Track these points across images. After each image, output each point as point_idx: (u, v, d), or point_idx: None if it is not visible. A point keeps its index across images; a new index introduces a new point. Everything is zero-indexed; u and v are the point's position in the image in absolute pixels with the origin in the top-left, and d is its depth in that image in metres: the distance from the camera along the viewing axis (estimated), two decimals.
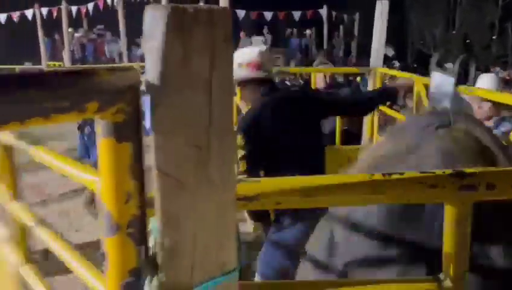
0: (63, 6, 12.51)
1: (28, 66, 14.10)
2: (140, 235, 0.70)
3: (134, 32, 11.73)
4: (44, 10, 13.36)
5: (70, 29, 12.73)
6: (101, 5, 12.62)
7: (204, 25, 0.64)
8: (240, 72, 2.57)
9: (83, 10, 12.98)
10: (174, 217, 0.67)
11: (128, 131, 0.68)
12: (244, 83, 2.66)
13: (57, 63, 13.10)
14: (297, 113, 2.55)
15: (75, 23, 13.27)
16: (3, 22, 14.53)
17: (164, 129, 0.66)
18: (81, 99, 0.62)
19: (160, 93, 0.65)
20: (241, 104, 2.83)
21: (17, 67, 12.92)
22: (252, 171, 2.37)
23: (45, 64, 13.51)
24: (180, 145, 0.66)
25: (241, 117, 2.69)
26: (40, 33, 13.44)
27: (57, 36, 13.58)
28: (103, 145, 0.68)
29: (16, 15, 14.19)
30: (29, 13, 13.76)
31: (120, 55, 12.94)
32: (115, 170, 0.68)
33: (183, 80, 0.65)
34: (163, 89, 0.65)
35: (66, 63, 12.72)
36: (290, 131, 2.47)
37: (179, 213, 0.67)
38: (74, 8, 12.93)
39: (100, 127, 0.69)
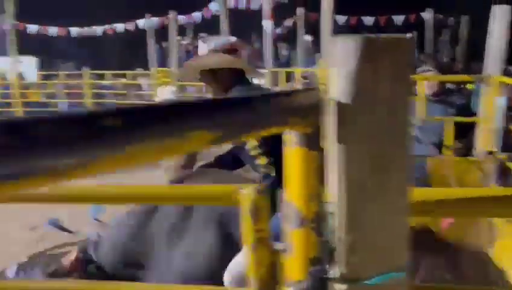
0: (171, 15, 13.48)
1: (139, 71, 15.42)
2: (320, 230, 0.82)
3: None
4: (155, 20, 14.52)
5: (178, 38, 13.69)
6: (207, 14, 13.44)
7: (391, 53, 0.74)
8: (213, 58, 2.43)
9: (190, 19, 13.92)
10: (355, 217, 0.78)
11: (316, 141, 0.81)
12: (216, 72, 2.52)
13: (165, 69, 14.14)
14: None
15: (181, 31, 14.30)
16: (121, 30, 16.04)
17: (350, 141, 0.77)
18: (286, 115, 0.76)
19: (349, 111, 0.76)
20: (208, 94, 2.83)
21: (136, 72, 14.26)
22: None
23: (154, 71, 14.69)
24: (364, 154, 0.77)
25: None
26: (150, 41, 14.66)
27: (164, 44, 14.73)
28: (295, 153, 0.82)
29: (129, 25, 15.61)
30: (141, 23, 15.04)
31: None
32: (305, 174, 0.81)
33: (370, 100, 0.76)
34: (352, 107, 0.76)
35: (173, 70, 13.69)
36: None
37: (360, 214, 0.78)
38: (182, 18, 13.93)
39: (292, 137, 0.82)
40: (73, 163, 0.53)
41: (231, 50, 2.56)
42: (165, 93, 8.19)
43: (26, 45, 18.43)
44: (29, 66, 19.13)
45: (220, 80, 2.58)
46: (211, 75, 2.57)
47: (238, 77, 2.57)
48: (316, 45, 13.15)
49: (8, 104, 16.35)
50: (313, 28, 13.03)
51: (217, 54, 2.51)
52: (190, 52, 14.32)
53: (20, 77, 17.19)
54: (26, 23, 16.65)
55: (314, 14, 13.75)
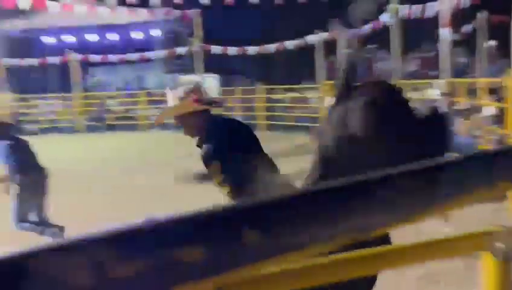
0: (339, 29, 13.60)
1: (306, 84, 15.91)
2: None
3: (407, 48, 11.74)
4: (324, 34, 14.82)
5: (345, 50, 13.73)
6: (377, 25, 13.19)
7: None
8: (174, 107, 2.81)
9: (359, 32, 13.82)
10: None
11: None
12: (183, 116, 2.83)
13: (332, 82, 14.28)
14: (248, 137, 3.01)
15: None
16: (290, 47, 16.85)
17: None
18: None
19: None
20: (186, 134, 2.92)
21: (304, 86, 14.81)
22: (238, 190, 2.55)
23: (321, 84, 15.01)
24: None
25: (205, 150, 2.72)
26: (318, 55, 15.03)
27: (333, 58, 14.94)
28: None
29: (300, 41, 16.26)
30: (310, 38, 15.52)
31: (390, 72, 13.19)
32: None
33: None
34: None
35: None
36: (248, 149, 2.85)
37: None
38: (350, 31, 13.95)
39: None
40: None
41: (195, 92, 2.89)
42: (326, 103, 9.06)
43: (210, 64, 20.79)
44: (212, 83, 21.52)
45: (188, 123, 2.88)
46: (180, 120, 2.89)
47: (204, 116, 2.87)
48: (501, 50, 11.69)
49: None
50: (497, 33, 11.67)
51: (182, 100, 2.80)
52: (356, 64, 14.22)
53: (205, 92, 19.32)
54: (210, 44, 18.73)
55: (498, 16, 12.34)
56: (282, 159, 10.64)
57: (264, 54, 18.12)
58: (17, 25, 23.97)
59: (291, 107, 16.40)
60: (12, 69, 21.12)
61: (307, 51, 16.80)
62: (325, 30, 14.94)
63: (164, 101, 4.34)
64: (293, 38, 16.79)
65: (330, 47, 15.26)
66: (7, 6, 14.58)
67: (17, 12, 19.21)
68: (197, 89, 2.98)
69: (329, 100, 11.25)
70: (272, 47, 17.41)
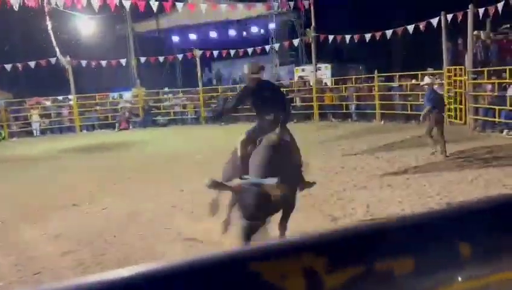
0: (470, 9, 12.53)
1: (429, 71, 14.96)
2: None
3: None
4: (449, 16, 13.78)
5: (475, 32, 12.65)
6: None
7: None
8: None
9: (491, 11, 12.60)
10: None
11: None
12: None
13: (457, 67, 13.28)
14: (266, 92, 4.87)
15: (479, 25, 13.10)
16: (410, 32, 15.98)
17: None
18: None
19: None
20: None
21: (425, 73, 14.00)
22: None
23: (446, 70, 14.02)
24: None
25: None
26: (443, 38, 14.02)
27: (459, 40, 13.83)
28: None
29: (422, 24, 15.33)
30: (434, 21, 14.54)
31: None
32: None
33: None
34: None
35: (468, 67, 12.70)
36: (264, 98, 4.80)
37: None
38: (481, 10, 12.76)
39: None
40: None
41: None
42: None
43: (324, 54, 20.71)
44: (325, 72, 21.44)
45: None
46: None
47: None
48: None
49: (306, 107, 18.83)
50: None
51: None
52: (488, 47, 12.94)
53: (319, 82, 19.48)
54: (323, 34, 18.61)
55: None
56: (396, 150, 10.19)
57: (381, 40, 17.44)
58: (148, 26, 26.42)
59: (409, 95, 15.60)
60: (144, 66, 23.39)
61: (429, 35, 15.80)
62: (452, 11, 13.88)
63: None
64: (414, 22, 15.88)
65: (456, 29, 14.18)
66: (140, 9, 16.16)
67: (149, 14, 21.11)
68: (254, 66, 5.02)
69: (427, 80, 10.67)
70: (388, 32, 16.70)
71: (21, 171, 11.14)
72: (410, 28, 15.99)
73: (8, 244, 5.53)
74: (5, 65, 19.82)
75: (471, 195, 6.22)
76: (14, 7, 13.24)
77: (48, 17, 15.34)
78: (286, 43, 21.90)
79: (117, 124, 20.49)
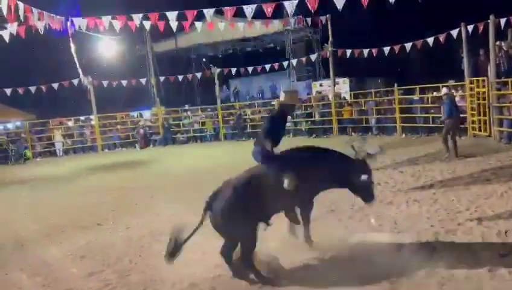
0: (491, 19, 12.37)
1: (451, 83, 14.73)
2: None
3: None
4: (470, 27, 13.62)
5: (497, 43, 12.44)
6: None
7: None
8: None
9: None
10: None
11: None
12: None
13: (480, 79, 13.05)
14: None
15: (501, 35, 12.90)
16: (430, 44, 15.83)
17: None
18: None
19: None
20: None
21: (447, 85, 13.87)
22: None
23: (468, 81, 13.79)
24: None
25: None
26: (464, 50, 13.84)
27: (481, 52, 13.62)
28: None
29: (442, 37, 15.17)
30: (454, 33, 14.40)
31: None
32: None
33: None
34: None
35: (491, 78, 12.47)
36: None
37: None
38: (502, 20, 12.57)
39: None
40: None
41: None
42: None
43: (341, 68, 20.65)
44: (343, 87, 21.35)
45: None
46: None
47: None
48: None
49: (324, 121, 18.74)
50: None
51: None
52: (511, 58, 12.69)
53: (338, 96, 19.39)
54: (341, 48, 18.59)
55: None
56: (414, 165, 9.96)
57: (399, 53, 17.32)
58: (167, 46, 26.86)
59: (431, 108, 15.37)
60: (163, 85, 23.73)
61: (448, 47, 15.63)
62: (472, 22, 13.73)
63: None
64: (434, 34, 15.74)
65: (476, 40, 14.00)
66: (160, 29, 16.43)
67: (168, 34, 21.46)
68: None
69: (445, 90, 10.80)
70: (407, 45, 16.58)
71: (46, 190, 11.30)
72: (430, 40, 15.84)
73: (35, 264, 5.57)
74: (29, 87, 20.34)
75: (501, 209, 6.03)
76: (39, 31, 13.63)
77: (71, 40, 15.75)
78: (303, 59, 21.96)
79: (137, 144, 20.75)
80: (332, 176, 4.95)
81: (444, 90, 11.20)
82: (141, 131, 20.95)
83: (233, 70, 21.96)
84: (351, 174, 4.90)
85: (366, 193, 5.00)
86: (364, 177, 4.82)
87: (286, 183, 4.50)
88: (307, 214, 5.06)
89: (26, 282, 5.04)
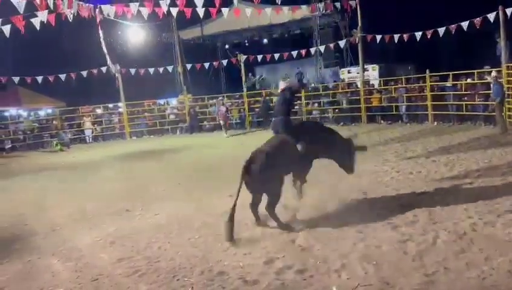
0: None
1: (487, 69, 14.19)
2: None
3: None
4: (508, 10, 13.01)
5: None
6: None
7: None
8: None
9: None
10: None
11: None
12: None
13: None
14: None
15: None
16: (465, 28, 15.21)
17: None
18: None
19: None
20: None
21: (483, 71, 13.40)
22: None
23: (505, 66, 13.21)
24: None
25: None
26: (502, 34, 13.24)
27: None
28: None
29: (477, 20, 14.56)
30: (491, 16, 13.80)
31: None
32: None
33: None
34: None
35: None
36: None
37: None
38: None
39: None
40: None
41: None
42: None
43: (370, 55, 20.14)
44: (372, 73, 20.85)
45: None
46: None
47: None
48: None
49: (353, 109, 18.36)
50: None
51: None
52: None
53: (367, 83, 18.95)
54: (371, 34, 18.11)
55: None
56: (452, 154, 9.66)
57: (431, 38, 16.69)
58: (194, 33, 26.83)
59: (464, 95, 14.82)
60: (189, 72, 23.73)
61: (484, 31, 14.96)
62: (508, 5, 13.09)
63: (322, 95, 15.38)
64: (469, 18, 15.10)
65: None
66: (187, 16, 16.35)
67: (194, 21, 21.40)
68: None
69: (494, 73, 11.12)
70: (441, 30, 15.97)
71: (76, 177, 11.50)
72: (465, 24, 15.19)
73: (66, 249, 5.64)
74: (59, 75, 20.69)
75: None
76: (68, 18, 13.77)
77: (99, 27, 15.85)
78: (331, 45, 21.52)
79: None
80: (328, 146, 6.26)
81: (493, 73, 12.75)
82: (192, 112, 20.97)
83: (259, 57, 21.70)
84: (340, 148, 6.31)
85: (348, 166, 6.33)
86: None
87: (300, 147, 5.92)
88: (304, 174, 6.28)
89: (58, 266, 5.10)
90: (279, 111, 6.33)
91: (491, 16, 13.69)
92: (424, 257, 4.35)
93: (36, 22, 14.70)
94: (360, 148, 6.66)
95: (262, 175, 5.56)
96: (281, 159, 5.75)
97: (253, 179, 5.60)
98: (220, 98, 20.17)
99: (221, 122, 18.89)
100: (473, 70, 14.72)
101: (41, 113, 23.03)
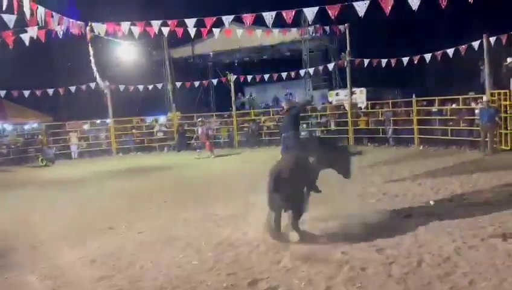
0: None
1: (471, 95, 14.49)
2: None
3: None
4: (492, 39, 13.37)
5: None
6: None
7: None
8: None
9: None
10: None
11: None
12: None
13: (502, 91, 12.77)
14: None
15: None
16: (450, 55, 15.58)
17: None
18: None
19: None
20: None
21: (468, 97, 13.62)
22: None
23: (489, 93, 13.51)
24: None
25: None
26: (486, 61, 13.57)
27: (505, 63, 13.35)
28: None
29: (462, 48, 14.93)
30: (475, 44, 14.16)
31: None
32: None
33: None
34: None
35: None
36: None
37: None
38: None
39: None
40: None
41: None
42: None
43: (357, 78, 20.42)
44: (360, 96, 21.12)
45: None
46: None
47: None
48: None
49: (341, 131, 18.50)
50: None
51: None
52: None
53: (354, 106, 19.18)
54: (359, 58, 18.42)
55: None
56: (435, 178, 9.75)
57: (418, 64, 17.05)
58: (184, 52, 27.01)
59: (449, 120, 15.06)
60: (179, 90, 23.78)
61: (468, 58, 15.32)
62: (495, 34, 13.46)
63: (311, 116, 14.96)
64: (456, 45, 15.47)
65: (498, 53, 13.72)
66: (179, 35, 16.45)
67: (185, 40, 21.55)
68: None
69: (485, 98, 11.37)
70: (427, 56, 16.32)
71: (59, 194, 11.31)
72: (450, 51, 15.57)
73: (46, 267, 5.49)
74: (47, 89, 20.55)
75: None
76: (58, 34, 13.76)
77: (89, 44, 15.86)
78: (320, 68, 21.81)
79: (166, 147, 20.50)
80: (331, 157, 6.41)
81: (484, 98, 13.15)
82: (180, 131, 20.78)
83: (249, 77, 21.89)
84: (340, 156, 6.56)
85: (347, 171, 6.56)
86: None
87: (314, 161, 6.12)
88: (314, 188, 6.28)
89: (36, 284, 4.96)
90: (288, 127, 6.70)
91: (476, 44, 14.06)
92: (409, 280, 4.34)
93: (26, 37, 14.65)
94: (356, 153, 7.26)
95: (292, 191, 5.71)
96: (302, 174, 5.92)
97: (281, 195, 5.67)
98: (200, 119, 19.99)
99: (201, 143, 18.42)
100: (458, 96, 15.02)
101: (27, 127, 22.77)
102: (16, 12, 11.15)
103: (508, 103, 12.55)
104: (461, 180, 9.28)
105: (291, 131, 6.68)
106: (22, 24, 14.06)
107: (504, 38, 13.07)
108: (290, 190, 5.71)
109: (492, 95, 13.36)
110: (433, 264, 4.69)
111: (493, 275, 4.29)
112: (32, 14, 11.60)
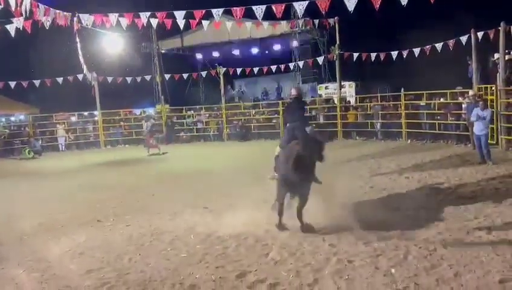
0: (502, 26, 12.23)
1: (458, 89, 14.63)
2: None
3: None
4: (480, 34, 13.47)
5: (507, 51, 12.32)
6: None
7: None
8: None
9: None
10: None
11: None
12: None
13: (488, 86, 12.89)
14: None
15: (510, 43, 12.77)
16: (439, 50, 15.69)
17: None
18: None
19: None
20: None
21: (455, 91, 13.56)
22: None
23: (476, 88, 13.64)
24: None
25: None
26: (473, 56, 13.68)
27: (492, 58, 13.48)
28: None
29: (451, 43, 15.04)
30: (463, 39, 14.26)
31: None
32: None
33: None
34: None
35: (500, 86, 12.33)
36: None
37: None
38: None
39: None
40: None
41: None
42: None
43: (347, 72, 20.48)
44: (349, 90, 21.20)
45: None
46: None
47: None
48: None
49: (330, 124, 18.57)
50: None
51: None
52: None
53: (343, 100, 19.25)
54: (348, 52, 18.46)
55: None
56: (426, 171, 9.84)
57: (407, 58, 17.16)
58: (173, 44, 26.79)
59: (436, 114, 15.19)
60: (168, 83, 23.62)
61: (457, 53, 15.44)
62: (484, 29, 13.55)
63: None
64: (445, 40, 15.60)
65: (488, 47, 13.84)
66: (167, 27, 16.30)
67: (174, 32, 21.39)
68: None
69: (471, 92, 11.32)
70: (416, 50, 16.43)
71: (47, 185, 11.21)
72: (439, 46, 15.68)
73: (33, 260, 5.45)
74: (34, 81, 20.26)
75: (511, 219, 5.89)
76: (45, 25, 13.54)
77: (76, 36, 15.63)
78: (309, 61, 21.81)
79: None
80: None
81: (470, 92, 12.85)
82: (169, 123, 20.43)
83: (239, 70, 21.81)
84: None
85: (321, 156, 6.41)
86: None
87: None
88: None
89: (23, 277, 4.92)
90: (295, 117, 6.50)
91: (463, 39, 14.17)
92: (395, 272, 4.40)
93: (11, 28, 14.40)
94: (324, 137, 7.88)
95: (309, 173, 5.79)
96: (313, 160, 5.99)
97: (301, 176, 5.68)
98: (147, 113, 19.39)
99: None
100: (446, 91, 15.15)
101: (13, 119, 22.45)
102: (1, 3, 10.96)
103: (492, 97, 12.67)
104: (447, 173, 9.40)
105: (298, 121, 6.40)
106: (7, 15, 13.83)
107: (491, 33, 13.16)
108: (308, 172, 5.80)
109: (479, 89, 13.49)
110: (420, 256, 4.76)
111: (478, 268, 4.37)
112: (17, 5, 11.42)
